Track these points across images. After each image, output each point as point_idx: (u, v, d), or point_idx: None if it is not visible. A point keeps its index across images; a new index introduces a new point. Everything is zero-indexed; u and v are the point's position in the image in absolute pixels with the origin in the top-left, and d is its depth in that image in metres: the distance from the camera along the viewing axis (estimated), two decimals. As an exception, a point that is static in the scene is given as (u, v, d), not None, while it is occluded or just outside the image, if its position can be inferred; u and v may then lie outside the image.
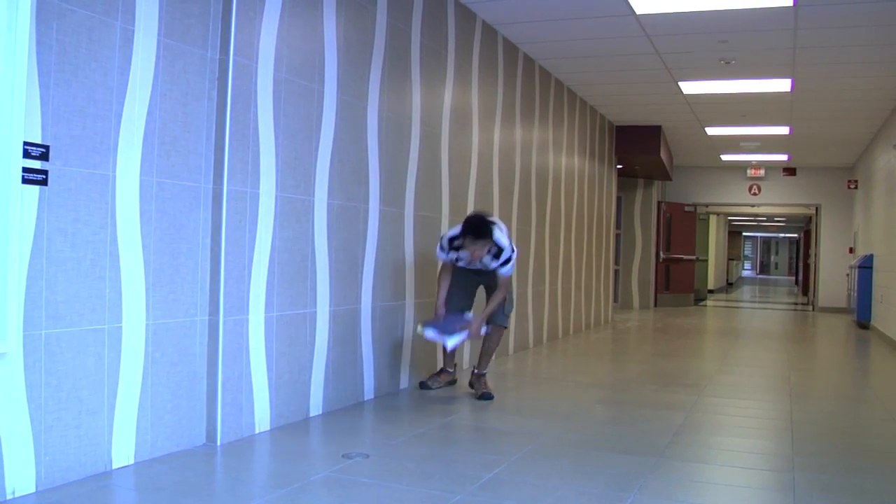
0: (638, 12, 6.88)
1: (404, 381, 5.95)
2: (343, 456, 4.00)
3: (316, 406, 4.89)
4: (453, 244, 5.50)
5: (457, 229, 5.44)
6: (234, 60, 4.11)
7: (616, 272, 15.34)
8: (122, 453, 3.65)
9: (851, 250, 16.10)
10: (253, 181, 4.29)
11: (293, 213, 4.64)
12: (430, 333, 5.47)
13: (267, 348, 4.44)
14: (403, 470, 3.88)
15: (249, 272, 4.29)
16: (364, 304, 5.41)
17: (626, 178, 15.62)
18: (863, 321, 13.09)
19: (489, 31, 7.38)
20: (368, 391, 5.49)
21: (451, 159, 6.62)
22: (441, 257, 5.65)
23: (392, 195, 5.72)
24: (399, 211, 5.83)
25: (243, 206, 4.23)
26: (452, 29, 6.58)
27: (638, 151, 12.97)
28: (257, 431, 4.37)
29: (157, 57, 3.76)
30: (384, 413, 5.23)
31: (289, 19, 4.53)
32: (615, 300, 15.34)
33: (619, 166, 13.61)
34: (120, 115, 3.58)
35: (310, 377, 4.83)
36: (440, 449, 4.33)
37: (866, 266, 12.91)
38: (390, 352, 5.77)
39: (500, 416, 5.29)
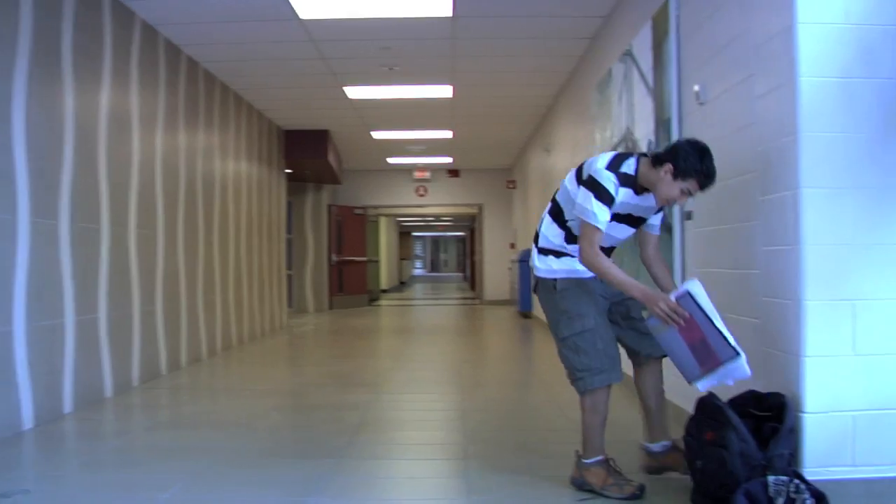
0: (302, 17, 6.91)
1: (68, 406, 5.52)
2: (0, 496, 3.63)
3: (-36, 442, 4.41)
4: (624, 175, 3.42)
5: (627, 161, 3.46)
6: None
7: (289, 277, 15.36)
8: None
9: (513, 246, 17.28)
10: None
11: (-74, 229, 4.14)
12: (706, 382, 3.30)
13: None
14: (72, 502, 3.60)
15: None
16: (17, 325, 4.95)
17: (297, 183, 15.69)
18: (524, 311, 14.14)
19: (149, 32, 7.05)
20: (27, 420, 5.02)
21: (111, 167, 6.24)
22: (603, 219, 3.41)
23: (44, 206, 5.27)
24: (53, 223, 5.39)
25: None
26: (109, 27, 6.20)
27: (306, 156, 13.05)
28: None
29: None
30: (47, 442, 4.81)
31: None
32: (290, 305, 15.37)
33: (289, 171, 13.62)
34: None
35: (-45, 410, 4.34)
36: (112, 474, 4.06)
37: (524, 260, 13.91)
38: (51, 375, 5.32)
39: (175, 433, 5.07)
